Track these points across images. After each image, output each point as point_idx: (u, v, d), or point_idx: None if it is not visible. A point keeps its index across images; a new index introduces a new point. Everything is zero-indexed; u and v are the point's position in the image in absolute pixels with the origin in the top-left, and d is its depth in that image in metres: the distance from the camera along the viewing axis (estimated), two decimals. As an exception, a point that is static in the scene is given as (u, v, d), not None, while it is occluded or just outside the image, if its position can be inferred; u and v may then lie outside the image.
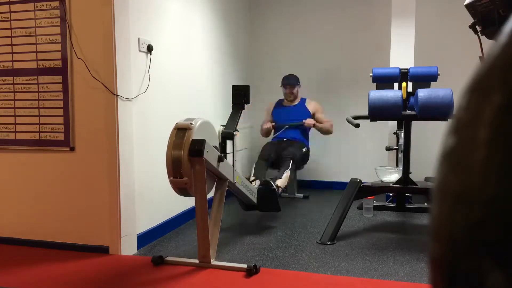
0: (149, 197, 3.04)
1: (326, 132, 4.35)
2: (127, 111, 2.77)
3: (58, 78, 2.81)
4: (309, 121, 4.23)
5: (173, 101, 3.37)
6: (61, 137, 2.83)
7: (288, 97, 4.41)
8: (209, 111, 4.03)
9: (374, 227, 3.40)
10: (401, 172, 3.48)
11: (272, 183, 3.39)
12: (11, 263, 2.63)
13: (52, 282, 2.34)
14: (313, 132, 4.47)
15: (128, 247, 2.80)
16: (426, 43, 4.49)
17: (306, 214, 3.84)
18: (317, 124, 4.28)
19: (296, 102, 4.43)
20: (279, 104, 4.51)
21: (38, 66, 2.84)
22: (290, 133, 4.29)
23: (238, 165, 4.33)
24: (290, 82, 4.35)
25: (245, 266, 2.43)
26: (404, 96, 3.58)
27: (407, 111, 3.56)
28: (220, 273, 2.44)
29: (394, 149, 4.02)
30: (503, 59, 0.28)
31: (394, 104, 3.02)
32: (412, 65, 4.03)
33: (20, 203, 2.95)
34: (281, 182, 3.68)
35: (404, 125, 3.58)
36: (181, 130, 2.42)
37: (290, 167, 3.88)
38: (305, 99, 4.46)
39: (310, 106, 4.40)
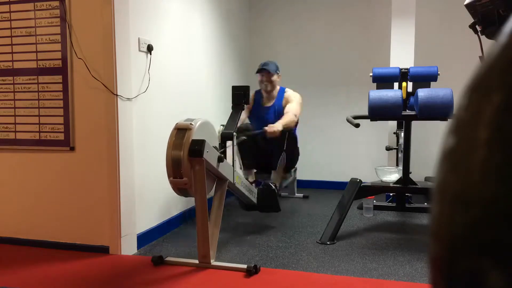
0: (149, 197, 3.04)
1: (291, 126, 3.53)
2: (127, 111, 2.77)
3: (58, 78, 2.81)
4: (271, 132, 3.32)
5: (173, 101, 3.37)
6: (61, 137, 2.83)
7: (263, 86, 3.74)
8: (209, 111, 4.03)
9: (374, 227, 3.40)
10: (401, 172, 3.48)
11: (271, 184, 3.38)
12: (12, 263, 2.63)
13: (52, 282, 2.34)
14: (310, 133, 4.47)
15: (128, 247, 2.80)
16: (426, 43, 4.49)
17: (306, 214, 3.83)
18: (281, 126, 3.39)
19: (272, 102, 3.79)
20: (257, 99, 3.88)
21: (38, 66, 2.84)
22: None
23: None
24: (267, 67, 3.66)
25: (245, 266, 2.43)
26: (404, 96, 3.58)
27: (407, 111, 3.56)
28: (220, 273, 2.44)
29: (394, 149, 4.02)
30: (503, 59, 0.28)
31: (394, 104, 3.02)
32: (412, 65, 4.03)
33: (20, 203, 2.95)
34: (278, 174, 3.61)
35: (404, 125, 3.58)
36: (181, 130, 2.42)
37: (282, 154, 3.48)
38: (283, 89, 3.82)
39: (285, 98, 3.75)
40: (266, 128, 3.35)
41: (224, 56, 4.46)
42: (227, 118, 3.02)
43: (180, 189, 2.45)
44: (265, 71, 3.68)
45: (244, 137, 3.34)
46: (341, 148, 4.92)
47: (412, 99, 3.43)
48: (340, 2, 4.86)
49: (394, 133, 4.09)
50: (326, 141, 4.92)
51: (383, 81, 3.77)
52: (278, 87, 3.82)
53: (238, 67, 4.83)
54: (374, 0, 4.75)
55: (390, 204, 3.96)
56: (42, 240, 2.89)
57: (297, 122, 3.73)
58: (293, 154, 3.70)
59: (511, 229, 0.26)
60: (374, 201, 3.95)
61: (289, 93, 3.79)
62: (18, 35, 2.87)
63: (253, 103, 3.88)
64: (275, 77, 3.72)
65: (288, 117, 3.52)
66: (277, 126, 3.36)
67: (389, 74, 3.77)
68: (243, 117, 3.78)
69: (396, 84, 3.79)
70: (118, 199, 2.71)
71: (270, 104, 3.82)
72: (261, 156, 3.65)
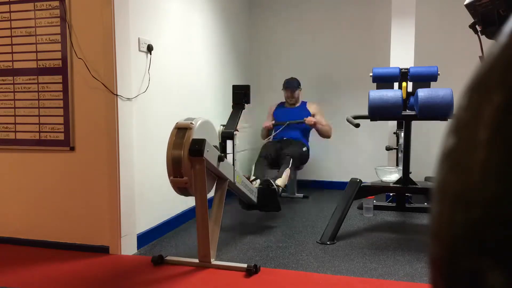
0: (149, 197, 3.04)
1: (325, 133, 4.39)
2: (127, 111, 2.77)
3: (58, 78, 2.81)
4: (310, 119, 4.27)
5: (173, 101, 3.37)
6: (61, 137, 2.83)
7: (289, 100, 4.49)
8: (209, 111, 4.03)
9: (374, 227, 3.40)
10: (401, 172, 3.48)
11: (272, 182, 3.39)
12: (12, 263, 2.63)
13: (52, 282, 2.34)
14: (313, 133, 4.48)
15: (128, 247, 2.80)
16: (426, 43, 4.48)
17: (306, 214, 3.84)
18: (318, 123, 4.31)
19: (297, 105, 4.51)
20: (280, 105, 4.60)
21: (38, 66, 2.84)
22: (290, 133, 4.31)
23: (238, 164, 4.32)
24: (291, 85, 4.44)
25: (245, 266, 2.43)
26: (404, 96, 3.58)
27: (407, 111, 3.56)
28: (220, 273, 2.44)
29: (394, 149, 4.02)
30: (503, 59, 0.28)
31: (394, 104, 3.02)
32: (412, 65, 4.03)
33: (20, 203, 2.95)
34: (282, 181, 3.68)
35: (404, 125, 3.58)
36: (181, 130, 2.42)
37: (290, 165, 3.88)
38: (305, 102, 4.53)
39: (311, 108, 4.47)
40: (305, 118, 4.29)
41: (224, 55, 4.46)
42: (227, 118, 3.02)
43: (181, 189, 2.45)
44: (289, 88, 4.45)
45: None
46: (341, 148, 4.92)
47: (412, 99, 3.43)
48: (340, 2, 4.86)
49: (394, 133, 4.09)
50: (326, 141, 4.92)
51: (383, 81, 3.76)
52: (300, 100, 4.56)
53: (238, 66, 4.83)
54: (374, 0, 4.75)
55: (390, 204, 3.96)
56: (42, 240, 2.89)
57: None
58: (300, 160, 4.20)
59: (511, 229, 0.26)
60: (374, 201, 3.95)
61: (311, 103, 4.52)
62: (18, 35, 2.87)
63: (273, 111, 4.57)
64: (297, 92, 4.49)
65: (327, 127, 4.38)
66: (313, 120, 4.30)
67: (389, 74, 3.77)
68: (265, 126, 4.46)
69: (396, 84, 3.79)
70: (118, 199, 2.71)
71: (293, 106, 4.52)
72: (272, 159, 4.12)
